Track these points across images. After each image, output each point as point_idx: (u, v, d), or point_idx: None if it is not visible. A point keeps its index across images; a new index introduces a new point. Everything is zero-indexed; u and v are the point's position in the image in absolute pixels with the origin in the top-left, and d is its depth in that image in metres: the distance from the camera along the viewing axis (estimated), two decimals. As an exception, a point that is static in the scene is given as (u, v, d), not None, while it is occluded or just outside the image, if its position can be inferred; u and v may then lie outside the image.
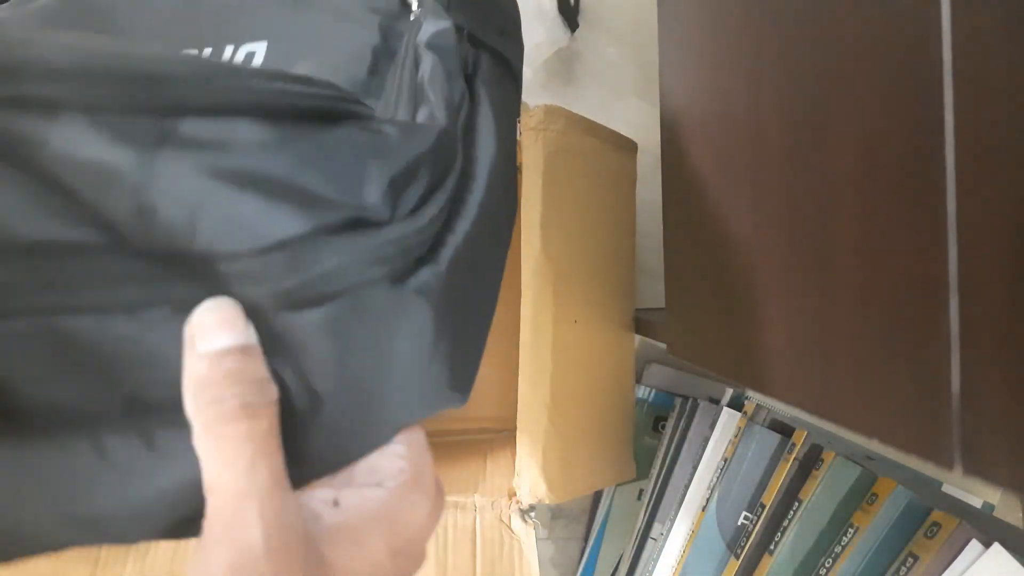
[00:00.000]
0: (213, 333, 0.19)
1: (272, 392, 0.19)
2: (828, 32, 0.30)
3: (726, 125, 0.39)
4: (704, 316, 0.42)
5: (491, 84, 0.31)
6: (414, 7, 0.32)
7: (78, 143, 0.18)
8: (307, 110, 0.20)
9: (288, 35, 0.31)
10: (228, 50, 0.31)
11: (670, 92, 0.46)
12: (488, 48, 0.33)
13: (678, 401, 0.65)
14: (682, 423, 0.62)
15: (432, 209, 0.23)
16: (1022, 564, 0.42)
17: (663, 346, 0.50)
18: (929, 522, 0.47)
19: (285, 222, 0.18)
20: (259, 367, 0.19)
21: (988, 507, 0.57)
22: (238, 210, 0.18)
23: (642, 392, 0.68)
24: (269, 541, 0.18)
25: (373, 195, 0.20)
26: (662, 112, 0.47)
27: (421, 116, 0.26)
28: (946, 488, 0.56)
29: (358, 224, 0.20)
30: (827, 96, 0.30)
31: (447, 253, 0.23)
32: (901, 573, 0.47)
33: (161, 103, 0.18)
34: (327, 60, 0.30)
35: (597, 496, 0.69)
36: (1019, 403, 0.22)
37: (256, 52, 0.31)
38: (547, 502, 0.55)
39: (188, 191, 0.18)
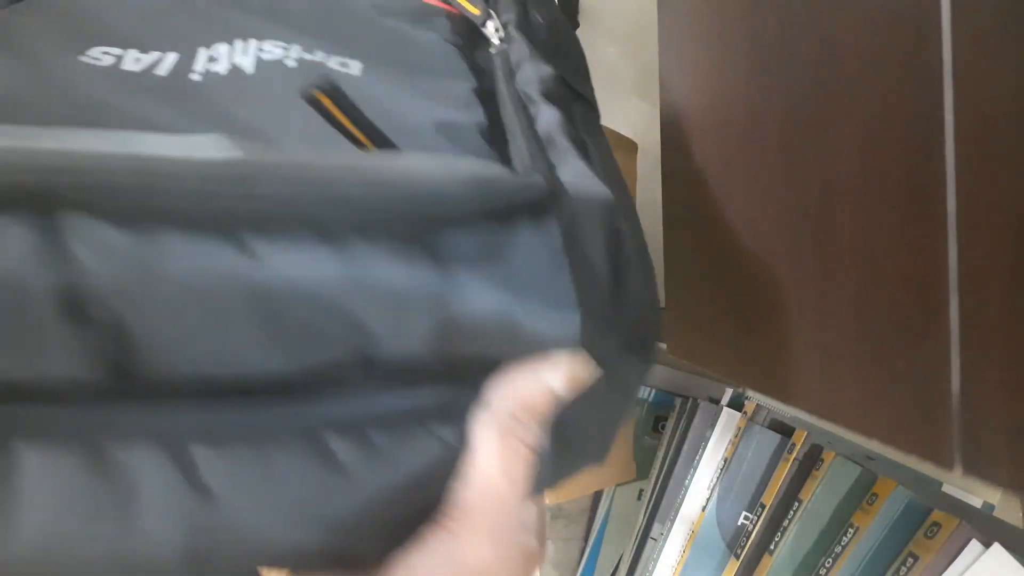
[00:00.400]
0: (563, 378, 0.21)
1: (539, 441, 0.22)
2: (828, 32, 0.30)
3: (726, 125, 0.39)
4: (704, 316, 0.42)
5: (595, 135, 0.31)
6: (494, 41, 0.31)
7: (382, 271, 0.18)
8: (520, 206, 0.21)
9: (380, 60, 0.30)
10: (318, 55, 0.29)
11: (670, 92, 0.46)
12: (581, 96, 0.33)
13: (678, 401, 0.65)
14: (682, 423, 0.62)
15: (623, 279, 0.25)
16: (1022, 564, 0.42)
17: (663, 346, 0.50)
18: (929, 522, 0.47)
19: (569, 322, 0.21)
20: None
21: (988, 507, 0.57)
22: (532, 316, 0.20)
23: (642, 392, 0.68)
24: (526, 545, 0.21)
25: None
26: (662, 112, 0.47)
27: (568, 175, 0.25)
28: (946, 488, 0.56)
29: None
30: (827, 96, 0.30)
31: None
32: (901, 573, 0.47)
33: (430, 218, 0.19)
34: (438, 103, 0.29)
35: (597, 496, 0.69)
36: (1019, 403, 0.22)
37: (350, 66, 0.29)
38: (547, 502, 0.55)
39: (489, 302, 0.20)
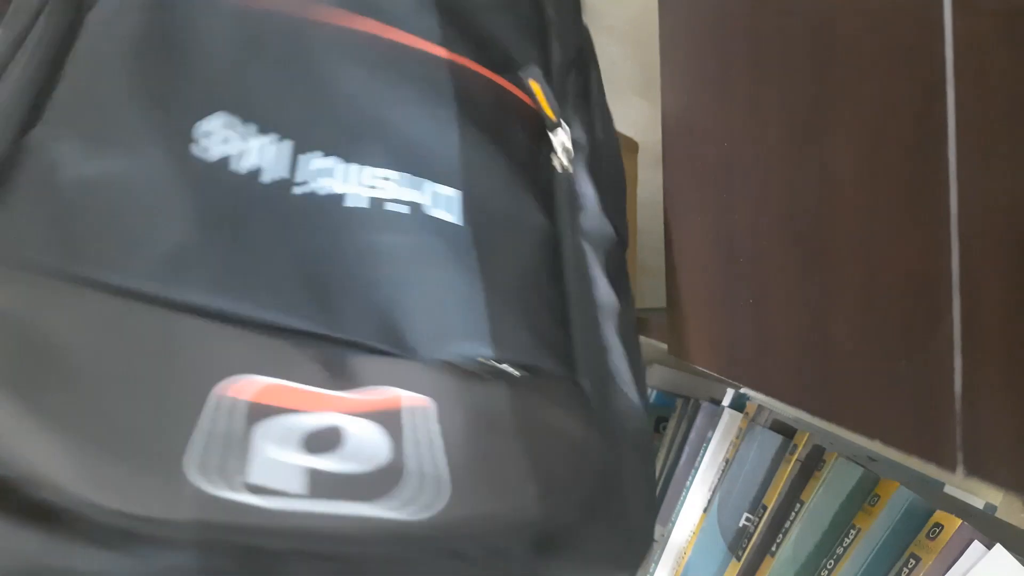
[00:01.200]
0: None
1: None
2: (829, 31, 0.30)
3: (727, 124, 0.39)
4: (705, 316, 0.42)
5: (622, 279, 0.34)
6: (562, 160, 0.31)
7: None
8: None
9: (477, 190, 0.30)
10: (426, 190, 0.29)
11: (671, 91, 0.46)
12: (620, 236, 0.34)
13: (679, 402, 0.65)
14: (683, 424, 0.62)
15: None
16: (1025, 565, 0.42)
17: (664, 346, 0.50)
18: (931, 523, 0.47)
19: None
20: None
21: (990, 508, 0.56)
22: None
23: (643, 393, 0.68)
24: None
25: None
26: (663, 111, 0.47)
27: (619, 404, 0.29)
28: (948, 489, 0.56)
29: None
30: (828, 95, 0.30)
31: None
32: (903, 574, 0.46)
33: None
34: (518, 253, 0.30)
35: (598, 497, 0.69)
36: (1021, 404, 0.22)
37: (452, 199, 0.29)
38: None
39: None
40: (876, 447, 0.57)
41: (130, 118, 0.27)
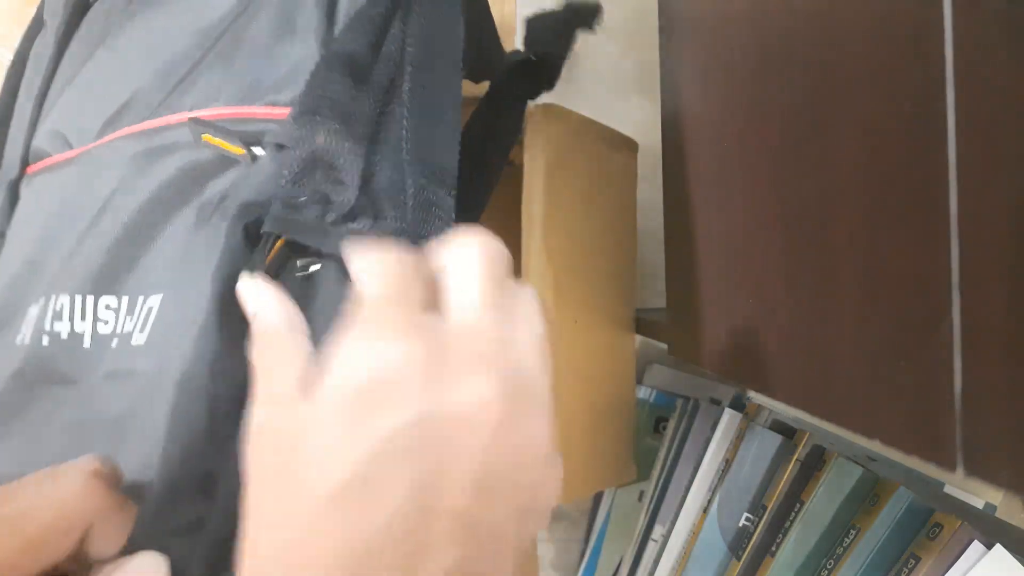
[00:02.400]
0: None
1: None
2: (830, 31, 0.30)
3: (727, 124, 0.39)
4: (705, 317, 0.42)
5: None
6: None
7: None
8: None
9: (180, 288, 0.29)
10: (136, 313, 0.29)
11: (671, 90, 0.46)
12: None
13: (679, 402, 0.65)
14: (683, 424, 0.62)
15: None
16: (1024, 565, 0.42)
17: (664, 346, 0.50)
18: (931, 523, 0.47)
19: None
20: None
21: (990, 508, 0.56)
22: None
23: (643, 393, 0.68)
24: None
25: None
26: (663, 111, 0.47)
27: None
28: (948, 489, 0.56)
29: None
30: (828, 95, 0.30)
31: None
32: (903, 574, 0.46)
33: None
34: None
35: (598, 498, 0.69)
36: (1021, 404, 0.22)
37: (151, 312, 0.28)
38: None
39: None
40: (876, 447, 0.57)
41: None
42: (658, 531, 0.61)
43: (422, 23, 0.29)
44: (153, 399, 0.25)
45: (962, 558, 0.43)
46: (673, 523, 0.59)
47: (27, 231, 0.35)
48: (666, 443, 0.63)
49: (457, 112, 0.29)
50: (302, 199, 0.26)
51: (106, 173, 0.32)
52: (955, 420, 0.24)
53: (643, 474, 0.64)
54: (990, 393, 0.23)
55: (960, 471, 0.24)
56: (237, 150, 0.28)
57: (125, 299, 0.29)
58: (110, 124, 0.33)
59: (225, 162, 0.29)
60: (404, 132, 0.27)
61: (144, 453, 0.24)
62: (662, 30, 0.47)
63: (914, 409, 0.26)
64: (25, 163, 0.37)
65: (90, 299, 0.29)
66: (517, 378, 0.20)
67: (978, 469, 0.23)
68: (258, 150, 0.28)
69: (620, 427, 0.57)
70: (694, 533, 0.57)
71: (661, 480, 0.62)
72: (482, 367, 0.19)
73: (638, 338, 0.59)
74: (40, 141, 0.37)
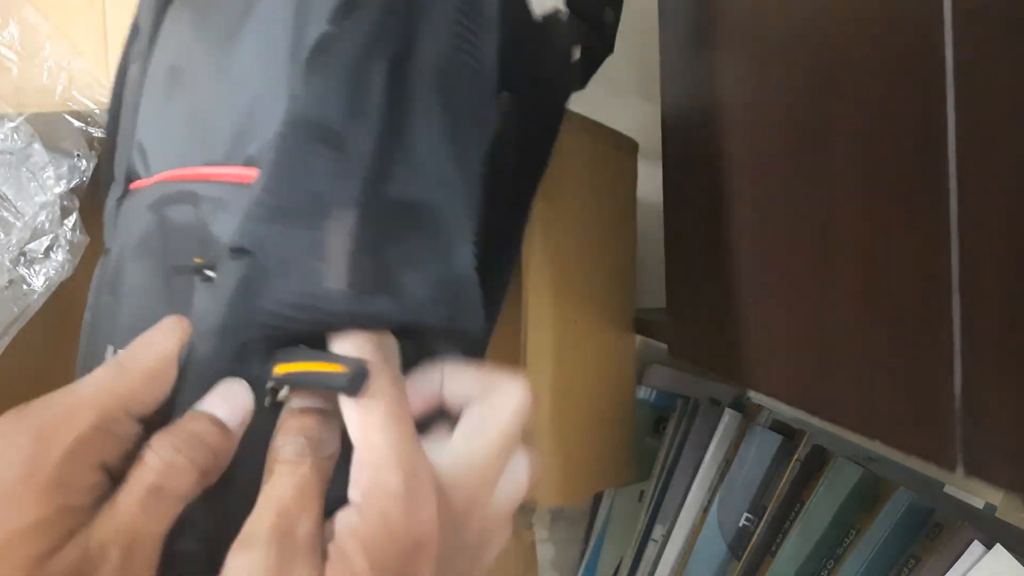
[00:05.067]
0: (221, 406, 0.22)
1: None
2: (830, 31, 0.30)
3: (727, 124, 0.39)
4: (705, 317, 0.42)
5: None
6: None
7: None
8: None
9: None
10: None
11: (671, 91, 0.46)
12: None
13: (679, 402, 0.65)
14: (683, 424, 0.62)
15: None
16: (1024, 565, 0.42)
17: (664, 347, 0.50)
18: (931, 523, 0.47)
19: None
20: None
21: (990, 508, 0.56)
22: None
23: (643, 393, 0.68)
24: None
25: None
26: (663, 111, 0.47)
27: None
28: (948, 489, 0.56)
29: None
30: (828, 95, 0.30)
31: None
32: (903, 574, 0.46)
33: None
34: None
35: (598, 498, 0.69)
36: (1021, 404, 0.22)
37: None
38: (547, 504, 0.55)
39: None
40: (876, 447, 0.57)
41: None
42: (658, 531, 0.61)
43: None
44: None
45: (962, 558, 0.43)
46: (673, 523, 0.59)
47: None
48: (666, 443, 0.63)
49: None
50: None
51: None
52: (955, 420, 0.24)
53: (643, 474, 0.64)
54: (990, 393, 0.23)
55: (960, 471, 0.24)
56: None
57: None
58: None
59: None
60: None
61: None
62: (662, 29, 0.47)
63: (914, 409, 0.26)
64: (129, 179, 0.33)
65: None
66: None
67: (978, 469, 0.23)
68: None
69: (620, 427, 0.57)
70: (694, 533, 0.57)
71: (661, 480, 0.62)
72: None
73: (638, 338, 0.59)
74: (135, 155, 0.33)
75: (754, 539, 0.53)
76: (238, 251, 0.22)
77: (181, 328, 0.23)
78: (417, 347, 0.25)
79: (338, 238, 0.22)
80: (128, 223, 0.31)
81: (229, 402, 0.22)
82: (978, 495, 0.56)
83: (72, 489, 0.19)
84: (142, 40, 0.34)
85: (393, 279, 0.23)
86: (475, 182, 0.26)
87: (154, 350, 0.22)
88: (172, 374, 0.22)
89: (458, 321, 0.25)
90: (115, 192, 0.33)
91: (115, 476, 0.20)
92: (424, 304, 0.24)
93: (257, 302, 0.22)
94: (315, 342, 0.22)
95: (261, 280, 0.22)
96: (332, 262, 0.22)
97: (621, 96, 0.73)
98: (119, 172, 0.34)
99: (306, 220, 0.22)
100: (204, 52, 0.29)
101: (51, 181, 0.49)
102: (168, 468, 0.20)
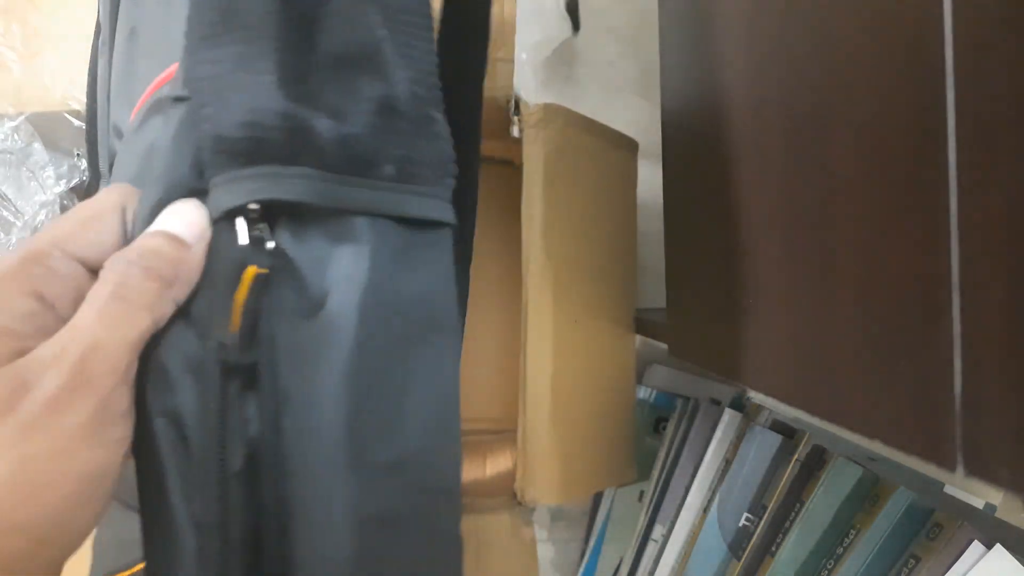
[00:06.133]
0: (180, 222, 0.21)
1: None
2: (830, 32, 0.30)
3: (727, 124, 0.39)
4: (705, 316, 0.42)
5: None
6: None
7: None
8: None
9: None
10: None
11: (671, 91, 0.46)
12: None
13: (679, 402, 0.65)
14: (683, 424, 0.62)
15: None
16: (1024, 565, 0.42)
17: (664, 346, 0.50)
18: (931, 523, 0.47)
19: None
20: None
21: (990, 508, 0.56)
22: None
23: (643, 393, 0.68)
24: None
25: None
26: (663, 111, 0.47)
27: None
28: (948, 489, 0.56)
29: None
30: (828, 95, 0.30)
31: None
32: (903, 574, 0.46)
33: None
34: None
35: (598, 497, 0.69)
36: (1022, 403, 0.22)
37: None
38: (547, 504, 0.55)
39: None
40: (876, 447, 0.57)
41: None
42: (658, 531, 0.61)
43: None
44: None
45: (962, 558, 0.43)
46: (673, 523, 0.59)
47: None
48: (666, 443, 0.63)
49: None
50: None
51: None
52: (955, 420, 0.24)
53: (643, 474, 0.64)
54: (990, 392, 0.23)
55: (960, 471, 0.24)
56: None
57: None
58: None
59: None
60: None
61: None
62: (662, 31, 0.47)
63: (914, 409, 0.26)
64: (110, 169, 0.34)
65: None
66: None
67: (978, 469, 0.23)
68: None
69: (620, 427, 0.57)
70: (694, 533, 0.57)
71: (661, 480, 0.62)
72: None
73: (638, 338, 0.59)
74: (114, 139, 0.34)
75: (754, 539, 0.53)
76: (179, 99, 0.22)
77: (121, 189, 0.23)
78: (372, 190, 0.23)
79: (266, 53, 0.22)
80: None
81: (182, 218, 0.21)
82: (978, 495, 0.56)
83: (3, 312, 0.19)
84: (104, 33, 0.35)
85: (331, 103, 0.22)
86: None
87: (92, 202, 0.22)
88: (111, 220, 0.22)
89: (410, 150, 0.23)
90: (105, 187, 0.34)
91: (62, 313, 0.20)
92: (368, 127, 0.23)
93: (201, 131, 0.21)
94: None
95: (199, 113, 0.22)
96: (264, 74, 0.21)
97: (621, 96, 0.73)
98: (104, 166, 0.34)
99: (233, 38, 0.22)
100: (154, 2, 0.29)
101: (51, 180, 0.49)
102: (123, 277, 0.20)
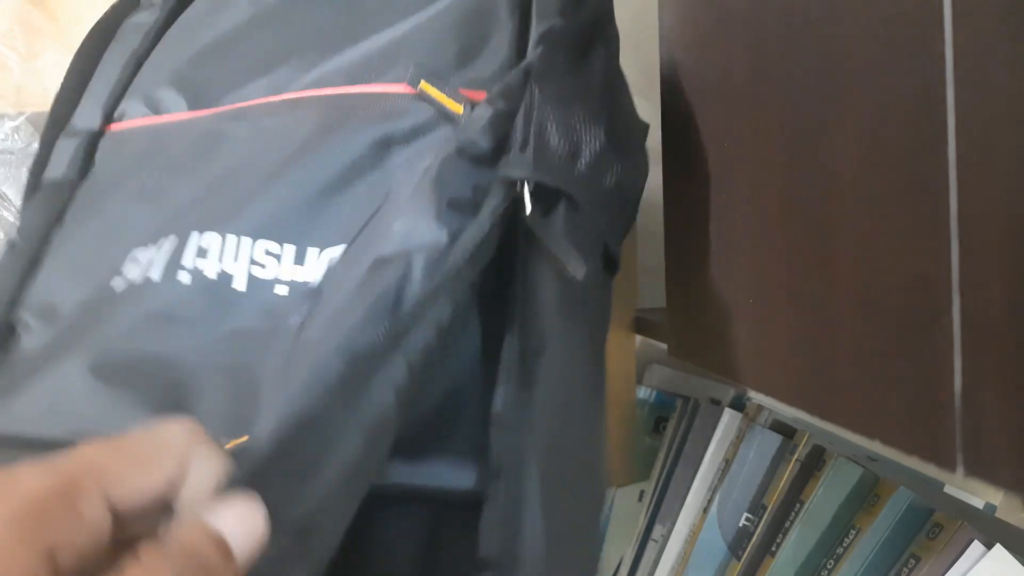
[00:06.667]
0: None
1: None
2: (830, 31, 0.30)
3: (727, 125, 0.39)
4: (705, 316, 0.42)
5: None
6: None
7: None
8: None
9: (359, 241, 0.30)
10: (309, 264, 0.30)
11: (671, 91, 0.46)
12: None
13: (679, 402, 0.65)
14: (683, 424, 0.62)
15: None
16: (1024, 565, 0.42)
17: (664, 346, 0.50)
18: (931, 523, 0.47)
19: None
20: None
21: (990, 508, 0.56)
22: None
23: (643, 393, 0.68)
24: None
25: None
26: (663, 111, 0.47)
27: None
28: (948, 489, 0.56)
29: None
30: (828, 95, 0.30)
31: None
32: (903, 574, 0.46)
33: None
34: None
35: (598, 497, 0.69)
36: (1022, 403, 0.22)
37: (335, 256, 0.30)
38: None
39: None
40: (876, 447, 0.57)
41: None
42: (658, 531, 0.61)
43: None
44: (292, 353, 0.27)
45: (962, 558, 0.43)
46: (673, 523, 0.59)
47: (129, 181, 0.37)
48: (666, 443, 0.63)
49: None
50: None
51: (274, 133, 0.34)
52: (955, 420, 0.24)
53: (643, 474, 0.64)
54: (990, 392, 0.23)
55: (960, 471, 0.24)
56: (455, 107, 0.30)
57: (291, 248, 0.30)
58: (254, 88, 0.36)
59: (416, 131, 0.31)
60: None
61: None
62: (662, 31, 0.47)
63: (914, 409, 0.26)
64: (108, 121, 0.39)
65: (247, 241, 0.30)
66: None
67: (978, 468, 0.23)
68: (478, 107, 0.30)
69: (620, 427, 0.57)
70: (694, 533, 0.57)
71: (661, 480, 0.62)
72: None
73: (638, 338, 0.59)
74: (127, 105, 0.39)
75: (754, 539, 0.53)
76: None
77: (190, 428, 0.19)
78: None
79: None
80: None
81: (244, 524, 0.17)
82: (978, 495, 0.56)
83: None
84: (155, 11, 0.43)
85: None
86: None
87: (152, 436, 0.18)
88: (169, 468, 0.17)
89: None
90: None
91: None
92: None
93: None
94: None
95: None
96: None
97: (621, 96, 0.73)
98: (88, 115, 0.40)
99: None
100: None
101: (51, 181, 0.48)
102: None
